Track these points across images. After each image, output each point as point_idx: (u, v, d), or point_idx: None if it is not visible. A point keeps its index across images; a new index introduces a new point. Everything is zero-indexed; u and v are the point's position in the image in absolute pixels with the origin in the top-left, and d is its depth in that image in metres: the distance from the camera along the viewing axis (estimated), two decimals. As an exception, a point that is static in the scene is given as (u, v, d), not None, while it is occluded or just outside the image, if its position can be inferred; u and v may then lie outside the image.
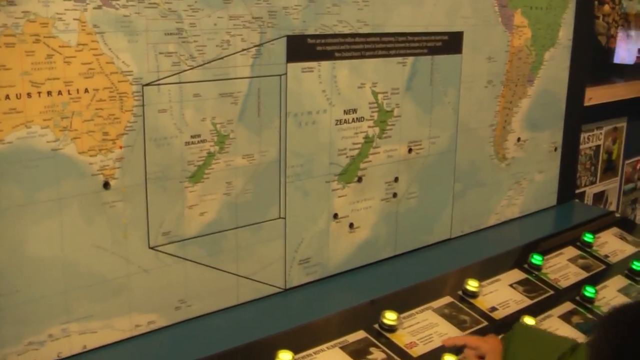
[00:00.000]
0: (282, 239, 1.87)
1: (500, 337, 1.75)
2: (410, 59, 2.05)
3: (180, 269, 1.69)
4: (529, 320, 1.90)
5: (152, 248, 1.64)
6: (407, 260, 2.18)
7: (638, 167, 3.48)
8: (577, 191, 2.97)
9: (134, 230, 1.60)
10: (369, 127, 2.00)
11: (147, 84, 1.56)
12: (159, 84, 1.57)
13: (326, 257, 1.99)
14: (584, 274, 2.24)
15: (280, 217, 1.86)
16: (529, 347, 1.70)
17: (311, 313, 1.82)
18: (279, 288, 1.90)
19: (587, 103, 2.79)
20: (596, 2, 2.90)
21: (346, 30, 1.88)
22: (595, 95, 2.84)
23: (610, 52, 3.08)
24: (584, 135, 2.96)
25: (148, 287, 1.65)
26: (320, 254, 1.97)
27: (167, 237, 1.66)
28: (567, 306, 2.06)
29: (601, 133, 3.13)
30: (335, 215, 1.98)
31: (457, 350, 1.72)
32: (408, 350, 1.71)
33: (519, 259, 2.22)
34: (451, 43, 2.17)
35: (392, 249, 2.16)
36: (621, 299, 2.13)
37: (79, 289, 1.54)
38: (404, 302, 1.87)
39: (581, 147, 2.95)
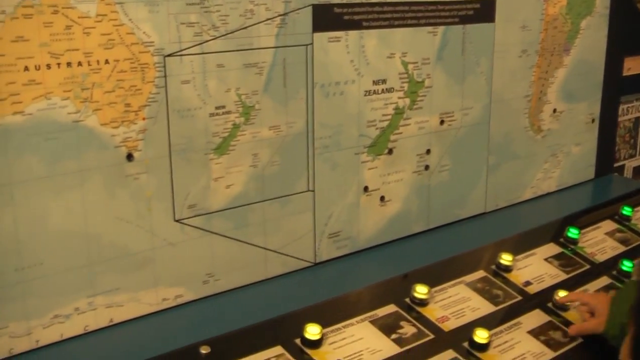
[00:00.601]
0: (311, 212, 1.84)
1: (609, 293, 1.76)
2: (441, 28, 2.00)
3: (207, 243, 1.67)
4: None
5: (177, 221, 1.62)
6: (440, 235, 2.14)
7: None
8: (616, 164, 2.89)
9: (159, 203, 1.58)
10: (399, 98, 1.96)
11: (169, 55, 1.53)
12: (181, 55, 1.54)
13: (356, 231, 1.95)
14: (621, 248, 2.17)
15: (308, 190, 1.82)
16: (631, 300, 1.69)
17: (341, 287, 1.79)
18: (309, 262, 1.87)
19: (625, 73, 2.72)
20: (635, -30, 2.81)
21: (374, -1, 1.84)
22: (634, 65, 2.76)
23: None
24: (622, 107, 2.87)
25: (174, 261, 1.63)
26: (351, 228, 1.93)
27: (192, 210, 1.63)
28: (603, 280, 1.99)
29: (641, 104, 3.04)
30: (366, 188, 1.94)
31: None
32: (439, 324, 1.66)
33: (554, 233, 2.16)
34: (483, 11, 2.11)
35: (424, 223, 2.11)
36: (660, 273, 2.07)
37: (103, 262, 1.52)
38: (436, 277, 1.83)
39: (620, 119, 2.86)
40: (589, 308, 1.72)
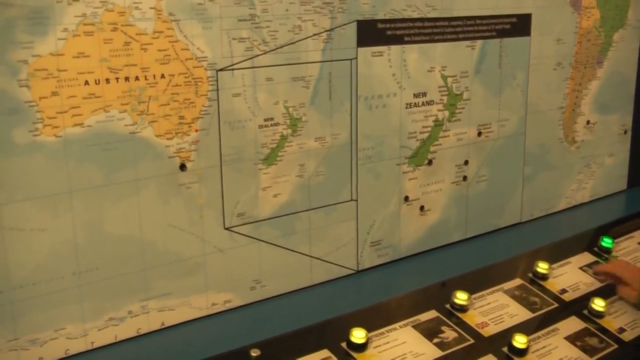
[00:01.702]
0: (354, 221, 1.87)
1: None
2: (478, 42, 2.03)
3: (254, 250, 1.70)
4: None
5: (227, 229, 1.65)
6: (478, 243, 2.16)
7: None
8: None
9: (210, 211, 1.62)
10: (439, 110, 1.98)
11: (221, 69, 1.57)
12: (232, 69, 1.58)
13: (397, 239, 1.97)
14: (657, 256, 2.18)
15: (352, 199, 1.85)
16: None
17: (383, 293, 1.81)
18: (352, 270, 1.90)
19: (658, 85, 2.72)
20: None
21: (415, 15, 1.87)
22: (666, 78, 2.76)
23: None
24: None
25: (224, 267, 1.66)
26: (392, 236, 1.96)
27: (241, 218, 1.67)
28: (639, 287, 2.01)
29: (673, 116, 3.04)
30: (406, 198, 1.97)
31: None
32: (479, 330, 1.69)
33: (589, 242, 2.17)
34: (519, 25, 2.13)
35: (462, 232, 2.13)
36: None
37: (157, 267, 1.56)
38: (475, 284, 1.85)
39: (653, 129, 2.87)
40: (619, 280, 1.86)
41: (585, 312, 1.81)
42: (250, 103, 1.62)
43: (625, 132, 2.62)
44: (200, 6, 1.51)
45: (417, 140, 1.95)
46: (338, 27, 1.73)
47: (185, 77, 1.52)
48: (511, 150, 2.22)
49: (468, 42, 2.00)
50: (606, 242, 2.14)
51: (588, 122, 2.45)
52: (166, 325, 1.61)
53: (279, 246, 1.74)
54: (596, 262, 2.04)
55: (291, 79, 1.68)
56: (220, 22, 1.54)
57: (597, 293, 1.91)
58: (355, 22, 1.76)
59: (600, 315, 1.79)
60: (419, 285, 1.85)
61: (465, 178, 2.09)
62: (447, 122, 2.01)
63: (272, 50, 1.63)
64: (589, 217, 2.43)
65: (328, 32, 1.71)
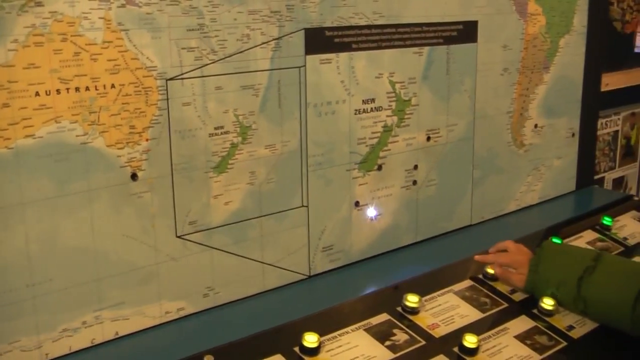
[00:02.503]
0: (306, 226, 1.91)
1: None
2: (426, 49, 2.09)
3: (207, 257, 1.74)
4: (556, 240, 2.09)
5: (179, 237, 1.68)
6: (429, 246, 2.21)
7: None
8: (597, 177, 2.98)
9: (162, 220, 1.65)
10: (388, 116, 2.04)
11: (171, 79, 1.60)
12: (182, 78, 1.62)
13: (349, 244, 2.02)
14: (603, 256, 2.25)
15: (303, 206, 1.89)
16: (556, 262, 1.85)
17: (335, 298, 1.84)
18: (304, 275, 1.94)
19: (603, 89, 2.81)
20: (610, -11, 2.91)
21: (362, 22, 1.92)
22: (611, 81, 2.86)
23: (626, 38, 3.07)
24: (601, 121, 2.97)
25: (176, 275, 1.69)
26: (343, 241, 2.01)
27: (193, 226, 1.70)
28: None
29: (619, 119, 3.14)
30: (357, 203, 2.01)
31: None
32: (430, 331, 1.73)
33: (538, 243, 2.22)
34: (466, 32, 2.19)
35: (413, 236, 2.19)
36: None
37: (110, 277, 1.59)
38: (426, 286, 1.89)
39: (599, 132, 2.96)
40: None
41: (535, 310, 1.85)
42: (200, 112, 1.66)
43: (573, 135, 2.70)
44: (148, 16, 1.54)
45: (367, 145, 2.00)
46: (286, 35, 1.77)
47: (136, 87, 1.55)
48: (460, 155, 2.28)
49: (415, 49, 2.06)
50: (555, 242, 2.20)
51: (536, 125, 2.53)
52: (120, 334, 1.63)
53: (231, 253, 1.77)
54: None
55: (240, 88, 1.72)
56: (169, 32, 1.58)
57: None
58: (303, 30, 1.80)
59: (549, 313, 1.83)
60: (371, 289, 1.90)
61: (415, 182, 2.15)
62: (396, 128, 2.06)
63: (221, 59, 1.67)
64: (539, 219, 2.50)
65: (276, 41, 1.76)
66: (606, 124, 3.04)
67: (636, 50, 3.14)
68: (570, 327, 1.81)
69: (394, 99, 2.04)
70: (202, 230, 1.72)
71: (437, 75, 2.14)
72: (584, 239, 2.32)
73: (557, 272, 1.82)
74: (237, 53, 1.69)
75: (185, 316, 1.73)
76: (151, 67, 1.57)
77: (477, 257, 2.00)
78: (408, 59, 2.05)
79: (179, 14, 1.59)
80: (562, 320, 1.83)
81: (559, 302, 1.81)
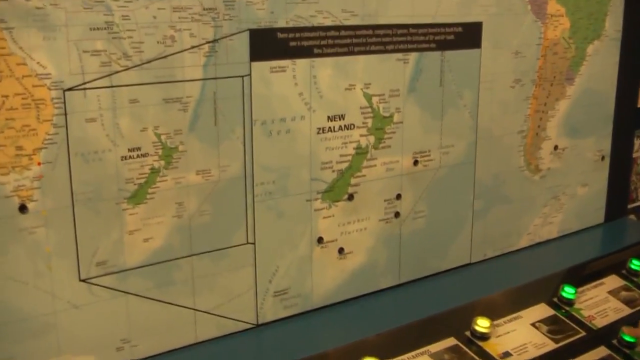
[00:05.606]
0: (252, 267, 1.71)
1: None
2: (413, 55, 1.86)
3: (120, 304, 1.54)
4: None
5: (83, 280, 1.49)
6: (412, 290, 2.00)
7: None
8: (631, 206, 2.75)
9: (60, 261, 1.46)
10: (362, 135, 1.82)
11: (70, 89, 1.40)
12: (84, 89, 1.42)
13: (309, 288, 1.81)
14: (626, 311, 2.01)
15: (248, 242, 1.69)
16: None
17: (287, 352, 1.67)
18: (250, 324, 1.74)
19: (641, 104, 2.59)
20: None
21: (328, 22, 1.70)
22: (652, 95, 2.63)
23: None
24: (638, 142, 2.74)
25: (81, 326, 1.50)
26: (302, 284, 1.80)
27: (102, 267, 1.50)
28: (601, 352, 1.83)
29: (660, 138, 2.90)
30: (320, 239, 1.80)
31: None
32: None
33: (548, 290, 2.01)
34: (467, 36, 1.97)
35: (394, 277, 1.97)
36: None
37: (-7, 329, 1.40)
38: (398, 344, 1.69)
39: (635, 154, 2.72)
40: None
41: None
42: (109, 130, 1.45)
43: (603, 158, 2.47)
44: (39, 11, 1.34)
45: (334, 171, 1.79)
46: (224, 37, 1.56)
47: (23, 99, 1.36)
48: (457, 182, 2.06)
49: (399, 55, 1.84)
50: (567, 292, 1.97)
51: (556, 147, 2.30)
52: (11, 396, 1.45)
53: (152, 299, 1.58)
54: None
55: (163, 101, 1.51)
56: (67, 31, 1.37)
57: (549, 357, 1.76)
58: (248, 32, 1.59)
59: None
60: (331, 344, 1.69)
61: (397, 215, 1.93)
62: (372, 150, 1.85)
63: (137, 65, 1.46)
64: (555, 256, 2.30)
65: (211, 44, 1.54)
66: (644, 145, 2.82)
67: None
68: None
69: (370, 115, 1.82)
70: (113, 273, 1.52)
71: (427, 87, 1.91)
72: (605, 287, 2.11)
73: None
74: (158, 58, 1.48)
75: (94, 374, 1.54)
76: (43, 75, 1.37)
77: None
78: (389, 67, 1.83)
79: (80, 9, 1.38)
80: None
81: None
